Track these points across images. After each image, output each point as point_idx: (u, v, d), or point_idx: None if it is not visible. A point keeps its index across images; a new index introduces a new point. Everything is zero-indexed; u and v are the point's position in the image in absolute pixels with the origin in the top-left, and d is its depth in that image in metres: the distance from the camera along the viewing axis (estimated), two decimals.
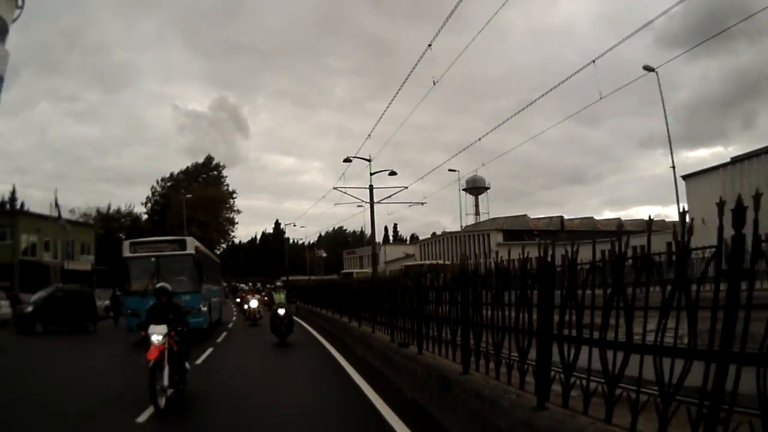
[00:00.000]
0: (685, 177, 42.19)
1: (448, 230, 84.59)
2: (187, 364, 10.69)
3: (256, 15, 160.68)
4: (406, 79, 21.17)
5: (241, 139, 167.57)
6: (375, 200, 36.82)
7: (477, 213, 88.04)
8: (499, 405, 5.58)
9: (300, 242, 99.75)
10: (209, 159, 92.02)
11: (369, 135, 39.14)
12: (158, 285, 10.81)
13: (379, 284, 15.69)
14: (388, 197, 38.02)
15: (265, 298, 33.08)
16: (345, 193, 37.42)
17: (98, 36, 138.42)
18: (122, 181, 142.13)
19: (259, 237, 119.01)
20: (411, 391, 9.51)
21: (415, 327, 10.21)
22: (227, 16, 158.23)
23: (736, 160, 41.13)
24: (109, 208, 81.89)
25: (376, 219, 38.39)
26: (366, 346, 14.78)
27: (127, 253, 22.11)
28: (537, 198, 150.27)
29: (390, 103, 31.56)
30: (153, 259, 21.62)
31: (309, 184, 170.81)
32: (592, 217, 74.89)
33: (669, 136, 36.91)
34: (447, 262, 48.47)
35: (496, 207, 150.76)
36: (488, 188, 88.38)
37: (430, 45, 19.64)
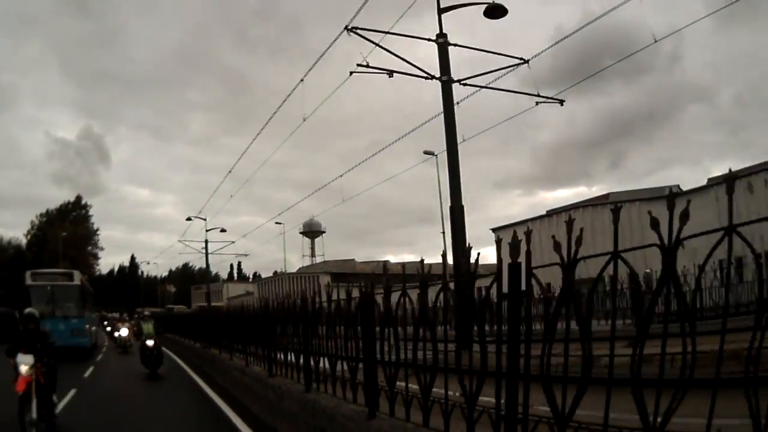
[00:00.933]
0: (493, 229, 44.25)
1: (286, 271, 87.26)
2: (55, 398, 10.20)
3: (127, 45, 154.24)
4: (271, 117, 22.58)
5: (103, 168, 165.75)
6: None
7: (312, 255, 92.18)
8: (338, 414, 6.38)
9: (153, 276, 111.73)
10: (79, 198, 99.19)
11: (229, 172, 40.76)
12: (26, 311, 10.31)
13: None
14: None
15: (135, 327, 32.79)
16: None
17: None
18: None
19: (116, 270, 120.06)
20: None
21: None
22: (100, 44, 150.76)
23: (550, 214, 41.31)
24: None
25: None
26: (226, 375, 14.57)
27: (28, 281, 25.59)
28: (386, 237, 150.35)
29: (253, 141, 31.82)
30: (49, 288, 25.22)
31: (163, 217, 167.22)
32: (418, 261, 76.84)
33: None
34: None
35: (345, 245, 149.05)
36: (324, 232, 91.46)
37: (302, 80, 20.60)
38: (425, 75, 17.79)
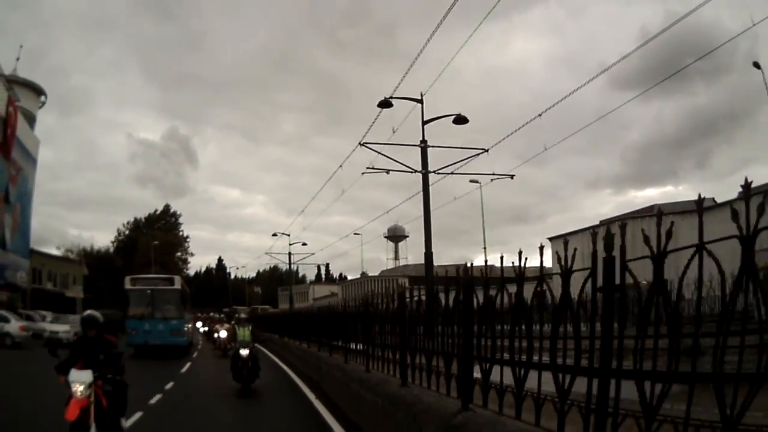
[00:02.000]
0: (550, 238, 43.99)
1: (367, 274, 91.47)
2: (123, 422, 8.15)
3: (212, 48, 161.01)
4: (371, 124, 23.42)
5: (190, 169, 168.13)
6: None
7: (396, 258, 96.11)
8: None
9: (241, 277, 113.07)
10: (167, 207, 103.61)
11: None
12: (85, 313, 8.32)
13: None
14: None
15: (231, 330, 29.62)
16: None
17: (58, 58, 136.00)
18: (72, 205, 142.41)
19: (203, 272, 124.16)
20: None
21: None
22: (184, 47, 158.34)
23: (603, 224, 41.27)
24: (92, 248, 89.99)
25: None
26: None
27: (128, 286, 27.76)
28: (478, 237, 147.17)
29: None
30: (148, 291, 27.34)
31: (252, 218, 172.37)
32: (493, 265, 77.59)
33: None
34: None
35: (440, 245, 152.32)
36: (407, 236, 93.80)
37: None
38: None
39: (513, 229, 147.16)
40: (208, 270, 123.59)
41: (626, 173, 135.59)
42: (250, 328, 17.45)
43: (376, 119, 23.01)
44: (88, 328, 7.82)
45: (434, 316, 7.60)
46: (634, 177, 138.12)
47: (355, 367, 11.83)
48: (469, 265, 6.30)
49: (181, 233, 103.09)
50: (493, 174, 25.79)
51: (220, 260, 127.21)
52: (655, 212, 3.83)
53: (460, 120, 23.72)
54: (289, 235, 53.19)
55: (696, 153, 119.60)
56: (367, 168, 24.79)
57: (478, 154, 24.35)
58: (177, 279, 30.18)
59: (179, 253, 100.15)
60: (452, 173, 25.02)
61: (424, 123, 22.90)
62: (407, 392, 7.85)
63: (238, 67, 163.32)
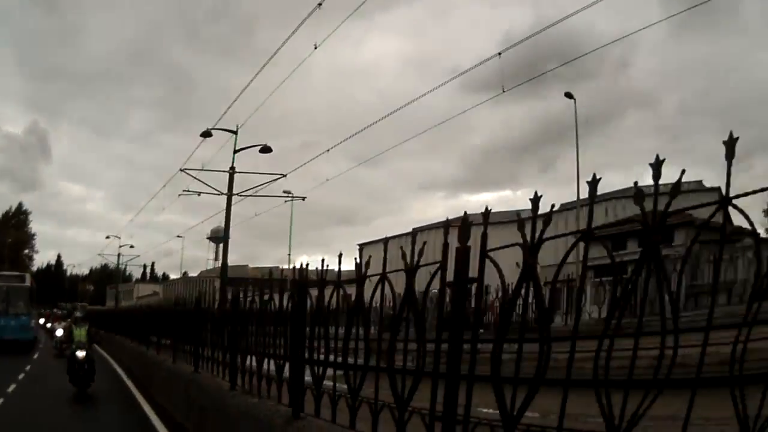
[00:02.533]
0: (360, 245, 45.31)
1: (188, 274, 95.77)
2: None
3: (83, 42, 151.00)
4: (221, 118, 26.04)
5: (43, 164, 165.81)
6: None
7: (216, 258, 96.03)
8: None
9: (75, 274, 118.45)
10: (20, 204, 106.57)
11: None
12: None
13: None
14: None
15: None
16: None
17: None
18: None
19: (44, 268, 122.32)
20: None
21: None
22: (58, 40, 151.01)
23: (414, 232, 44.27)
24: None
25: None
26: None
27: None
28: (303, 238, 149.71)
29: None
30: (4, 288, 28.20)
31: (91, 214, 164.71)
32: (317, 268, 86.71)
33: None
34: None
35: (263, 246, 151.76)
36: (228, 239, 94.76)
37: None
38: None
39: (338, 231, 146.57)
40: (48, 266, 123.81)
41: (464, 177, 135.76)
42: (87, 328, 15.90)
43: (196, 148, 27.09)
44: None
45: (265, 317, 6.99)
46: (471, 181, 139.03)
47: (184, 369, 11.00)
48: (303, 266, 5.81)
49: (28, 230, 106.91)
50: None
51: (59, 257, 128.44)
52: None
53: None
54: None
55: (542, 158, 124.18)
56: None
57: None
58: (27, 276, 31.52)
59: (26, 251, 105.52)
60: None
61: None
62: (235, 397, 7.21)
63: (101, 60, 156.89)
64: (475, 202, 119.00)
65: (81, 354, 14.59)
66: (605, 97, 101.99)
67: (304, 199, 31.19)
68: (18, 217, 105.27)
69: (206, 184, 28.05)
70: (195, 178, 27.93)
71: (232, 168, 26.97)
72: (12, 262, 79.47)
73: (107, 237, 55.29)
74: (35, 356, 26.66)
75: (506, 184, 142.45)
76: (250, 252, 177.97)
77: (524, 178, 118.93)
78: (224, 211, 29.27)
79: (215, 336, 9.24)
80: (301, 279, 5.75)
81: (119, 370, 21.18)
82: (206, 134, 26.88)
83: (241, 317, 7.75)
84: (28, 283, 29.97)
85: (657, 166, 2.66)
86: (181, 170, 28.16)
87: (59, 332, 27.73)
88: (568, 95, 35.09)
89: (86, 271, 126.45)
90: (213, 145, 33.07)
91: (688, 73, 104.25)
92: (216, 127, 26.42)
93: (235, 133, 26.38)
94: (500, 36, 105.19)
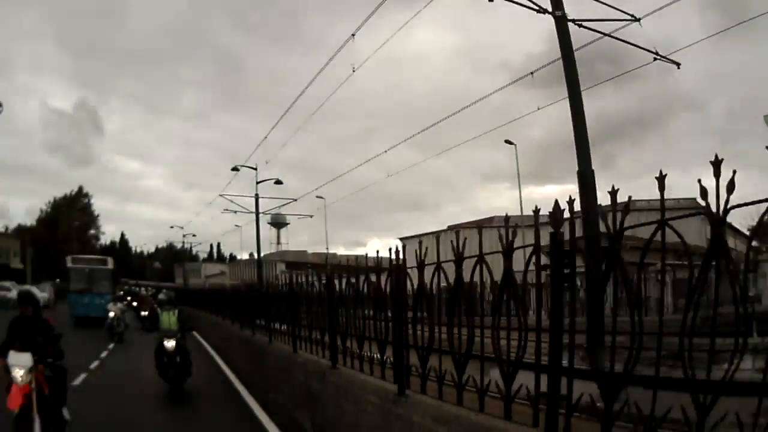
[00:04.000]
0: (402, 239, 45.89)
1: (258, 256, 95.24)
2: (65, 412, 7.36)
3: (124, 18, 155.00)
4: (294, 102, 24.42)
5: (96, 140, 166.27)
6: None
7: (278, 243, 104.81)
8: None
9: (140, 252, 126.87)
10: (81, 188, 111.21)
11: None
12: (21, 289, 7.43)
13: None
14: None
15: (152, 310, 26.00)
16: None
17: None
18: None
19: (108, 245, 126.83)
20: None
21: None
22: (99, 15, 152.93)
23: (450, 229, 44.27)
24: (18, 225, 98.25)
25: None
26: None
27: (69, 264, 32.78)
28: (373, 221, 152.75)
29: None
30: (87, 270, 31.93)
31: (153, 189, 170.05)
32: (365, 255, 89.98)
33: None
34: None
35: (334, 228, 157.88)
36: (288, 224, 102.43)
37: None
38: (536, 8, 14.24)
39: (408, 216, 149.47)
40: (112, 244, 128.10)
41: (526, 169, 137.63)
42: (176, 312, 13.27)
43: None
44: (25, 305, 7.18)
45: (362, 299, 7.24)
46: (534, 174, 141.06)
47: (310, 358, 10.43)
48: (398, 249, 5.90)
49: (93, 212, 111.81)
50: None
51: (122, 236, 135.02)
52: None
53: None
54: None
55: (601, 155, 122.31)
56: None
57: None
58: (110, 260, 34.79)
59: (92, 231, 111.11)
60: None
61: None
62: (334, 375, 7.51)
63: (145, 39, 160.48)
64: (539, 194, 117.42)
65: (170, 344, 12.30)
66: (655, 99, 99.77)
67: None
68: (80, 200, 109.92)
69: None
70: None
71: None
72: (80, 242, 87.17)
73: (234, 169, 47.37)
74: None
75: (568, 179, 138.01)
76: (320, 235, 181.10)
77: None
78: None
79: (312, 317, 9.41)
80: (399, 261, 5.84)
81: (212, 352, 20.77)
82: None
83: (339, 299, 7.92)
84: (110, 266, 33.68)
85: (717, 165, 2.86)
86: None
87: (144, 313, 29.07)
88: (508, 142, 38.36)
89: (152, 249, 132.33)
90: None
91: (733, 78, 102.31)
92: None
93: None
94: (546, 32, 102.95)
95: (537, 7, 13.82)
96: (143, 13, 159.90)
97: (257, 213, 37.01)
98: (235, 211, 39.50)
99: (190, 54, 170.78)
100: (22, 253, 78.17)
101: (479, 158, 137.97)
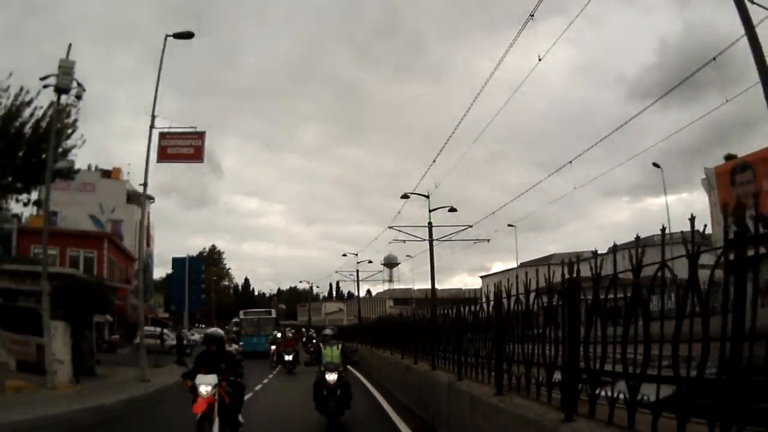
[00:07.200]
0: (482, 276, 48.76)
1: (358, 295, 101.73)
2: (240, 418, 9.36)
3: (236, 57, 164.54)
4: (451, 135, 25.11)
5: (212, 179, 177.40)
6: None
7: (391, 281, 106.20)
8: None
9: (262, 293, 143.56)
10: (213, 246, 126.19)
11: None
12: (208, 331, 9.76)
13: None
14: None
15: (311, 349, 22.35)
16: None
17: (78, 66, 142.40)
18: None
19: (232, 288, 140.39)
20: None
21: None
22: (210, 56, 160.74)
23: (522, 266, 46.05)
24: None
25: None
26: None
27: (241, 316, 46.03)
28: (497, 244, 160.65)
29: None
30: (256, 319, 44.29)
31: (269, 227, 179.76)
32: (459, 289, 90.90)
33: None
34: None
35: (455, 254, 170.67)
36: (399, 264, 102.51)
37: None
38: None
39: (530, 236, 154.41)
40: (235, 287, 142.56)
41: (643, 181, 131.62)
42: (339, 347, 13.26)
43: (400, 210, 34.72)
44: (211, 343, 9.21)
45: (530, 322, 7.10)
46: (651, 185, 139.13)
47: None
48: (572, 261, 5.69)
49: (225, 265, 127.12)
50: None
51: (246, 280, 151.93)
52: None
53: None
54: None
55: (711, 161, 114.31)
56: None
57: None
58: (273, 311, 50.37)
59: (225, 282, 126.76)
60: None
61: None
62: (503, 401, 7.36)
63: (259, 76, 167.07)
64: (656, 204, 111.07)
65: (332, 377, 12.27)
66: (754, 101, 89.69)
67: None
68: (212, 257, 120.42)
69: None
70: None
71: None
72: (216, 292, 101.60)
73: (404, 197, 45.13)
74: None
75: (682, 187, 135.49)
76: (443, 262, 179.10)
77: (697, 180, 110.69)
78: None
79: (475, 344, 9.49)
80: (573, 276, 5.63)
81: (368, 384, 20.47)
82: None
83: (505, 323, 7.87)
84: (273, 315, 47.98)
85: None
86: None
87: (288, 357, 28.11)
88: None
89: (274, 291, 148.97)
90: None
91: None
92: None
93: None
94: (656, 43, 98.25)
95: None
96: (254, 51, 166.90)
97: (431, 240, 37.13)
98: (404, 241, 39.73)
99: (307, 88, 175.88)
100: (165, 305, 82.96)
101: (597, 173, 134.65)
